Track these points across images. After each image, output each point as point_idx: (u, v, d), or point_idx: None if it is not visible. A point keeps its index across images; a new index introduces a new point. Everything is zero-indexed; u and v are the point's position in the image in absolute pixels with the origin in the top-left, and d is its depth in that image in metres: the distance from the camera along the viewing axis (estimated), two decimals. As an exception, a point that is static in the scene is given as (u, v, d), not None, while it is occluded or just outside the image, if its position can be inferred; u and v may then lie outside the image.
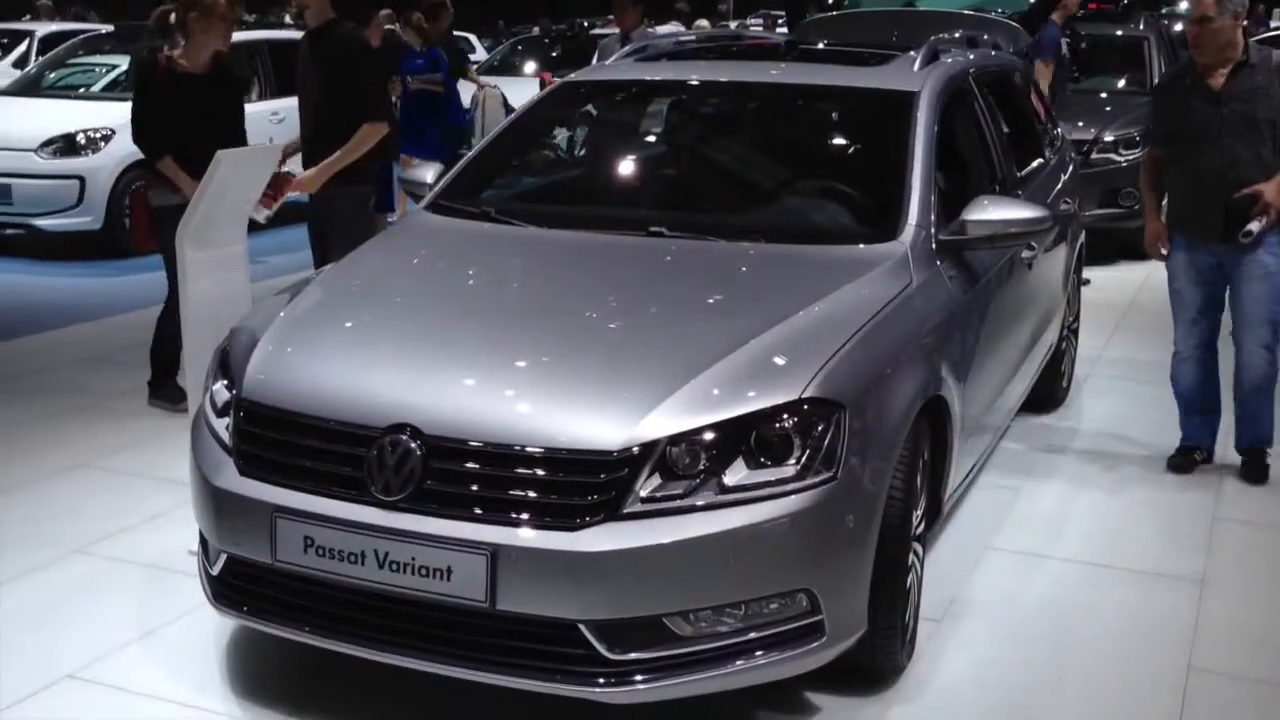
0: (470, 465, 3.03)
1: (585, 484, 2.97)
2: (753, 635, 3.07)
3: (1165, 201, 5.23)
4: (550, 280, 3.87)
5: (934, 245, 4.01)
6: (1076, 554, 4.54)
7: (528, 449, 3.00)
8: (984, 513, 4.84)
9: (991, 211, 4.05)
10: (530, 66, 15.65)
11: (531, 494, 2.98)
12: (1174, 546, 4.60)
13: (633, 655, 2.99)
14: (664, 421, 3.02)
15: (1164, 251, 5.18)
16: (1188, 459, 5.31)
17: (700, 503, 3.00)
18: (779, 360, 3.24)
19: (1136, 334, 7.48)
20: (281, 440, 3.24)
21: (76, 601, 4.00)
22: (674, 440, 3.01)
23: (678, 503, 2.99)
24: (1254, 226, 4.80)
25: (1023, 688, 3.61)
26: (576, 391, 3.13)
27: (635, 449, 2.98)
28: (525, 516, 2.97)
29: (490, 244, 4.18)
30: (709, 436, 3.04)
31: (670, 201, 4.53)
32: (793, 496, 3.04)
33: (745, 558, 3.00)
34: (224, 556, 3.33)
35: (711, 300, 3.64)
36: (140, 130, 5.52)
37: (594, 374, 3.19)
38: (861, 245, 3.94)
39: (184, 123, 5.39)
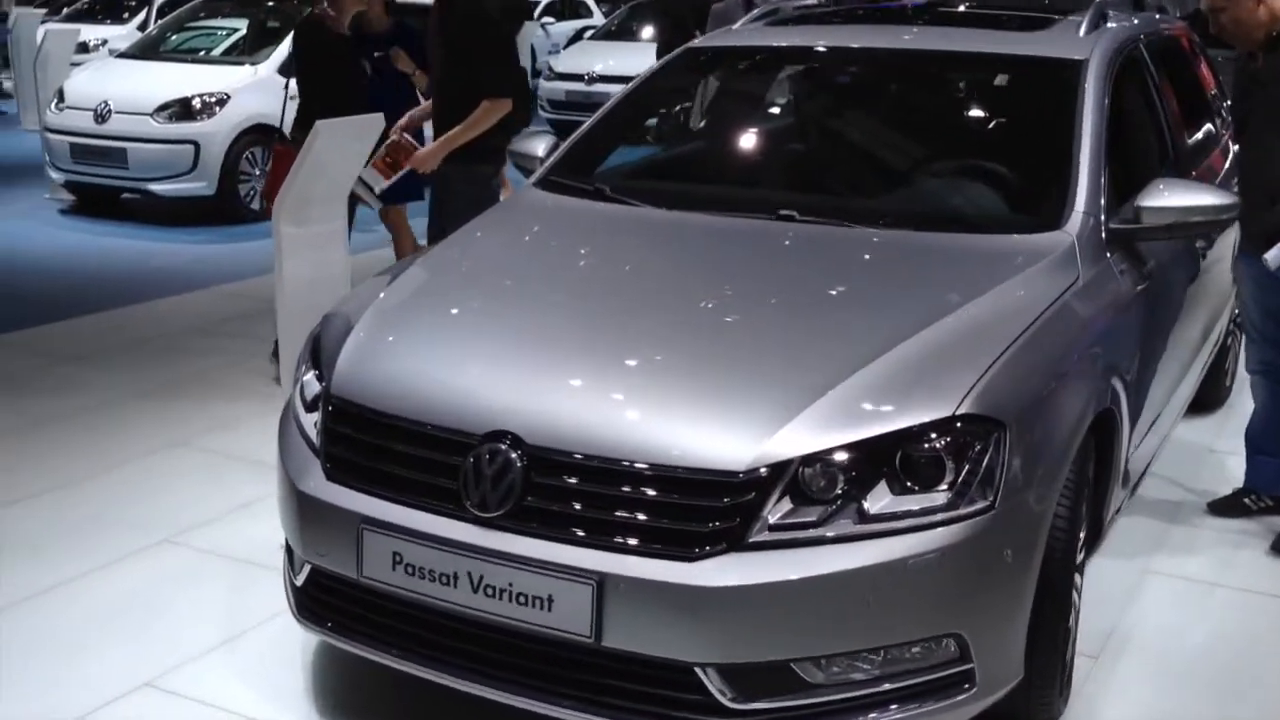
0: (576, 481, 2.69)
1: (706, 508, 2.61)
2: (892, 685, 2.69)
3: None
4: (668, 268, 3.51)
5: (1104, 235, 3.55)
6: (1252, 583, 4.06)
7: (641, 466, 2.65)
8: (1141, 530, 4.37)
9: (1171, 197, 3.57)
10: (648, 31, 15.23)
11: (644, 517, 2.63)
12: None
13: (757, 705, 2.63)
14: (798, 438, 2.65)
15: None
16: (1236, 501, 4.55)
17: (837, 533, 2.61)
18: (929, 370, 2.84)
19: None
20: (372, 443, 2.94)
21: (161, 597, 3.78)
22: (808, 460, 2.64)
23: (810, 532, 2.61)
24: (1274, 253, 3.95)
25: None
26: (697, 400, 2.76)
27: (764, 470, 2.61)
28: (636, 542, 2.62)
29: (603, 226, 3.82)
30: (848, 457, 2.65)
31: (801, 182, 4.10)
32: (944, 528, 2.64)
33: (887, 597, 2.62)
34: (308, 567, 3.05)
35: (849, 297, 3.24)
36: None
37: (717, 379, 2.83)
38: (1021, 235, 3.49)
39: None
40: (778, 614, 2.58)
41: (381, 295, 3.44)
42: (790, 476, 2.63)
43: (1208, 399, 5.39)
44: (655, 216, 3.81)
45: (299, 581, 3.09)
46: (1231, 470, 4.90)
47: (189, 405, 5.41)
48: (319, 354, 3.23)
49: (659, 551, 2.60)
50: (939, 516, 2.65)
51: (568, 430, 2.72)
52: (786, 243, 3.55)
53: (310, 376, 3.22)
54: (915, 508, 2.65)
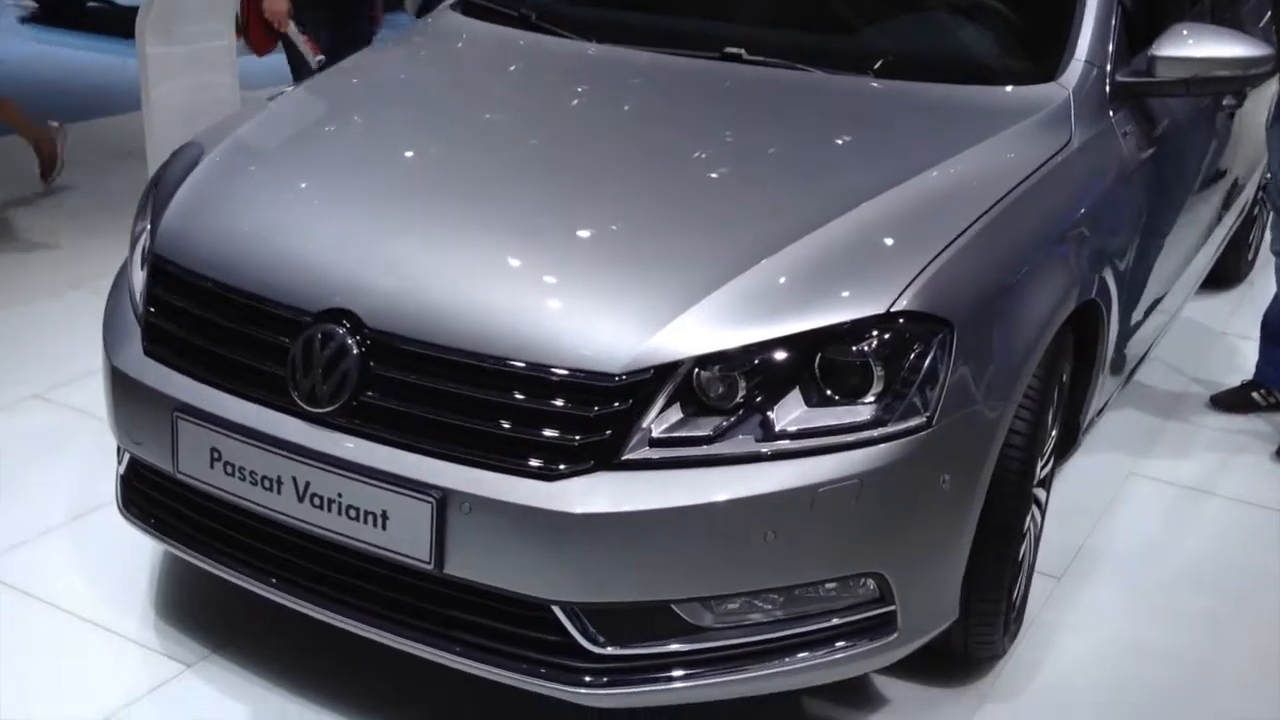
0: (421, 376, 2.20)
1: (572, 417, 2.13)
2: (797, 629, 2.25)
3: None
4: (582, 115, 2.95)
5: (1108, 90, 2.97)
6: (1250, 492, 3.58)
7: (501, 362, 2.15)
8: (1131, 425, 3.88)
9: (1194, 46, 2.96)
10: None
11: (499, 425, 2.15)
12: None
13: (628, 650, 2.19)
14: (694, 333, 2.14)
15: None
16: (1243, 395, 4.08)
17: (735, 451, 2.13)
18: (867, 254, 2.31)
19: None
20: (194, 315, 2.45)
21: (13, 462, 3.36)
22: (705, 361, 2.14)
23: (702, 449, 2.13)
24: None
25: (1163, 689, 2.74)
26: (576, 283, 2.25)
27: (649, 371, 2.12)
28: (487, 455, 2.15)
29: (519, 59, 3.24)
30: (756, 358, 2.16)
31: (752, 14, 3.45)
32: (867, 449, 2.15)
33: (793, 531, 2.15)
34: (128, 455, 2.60)
35: (788, 158, 2.67)
36: None
37: (605, 257, 2.30)
38: (1008, 87, 2.90)
39: None
40: (654, 547, 2.11)
41: (244, 127, 2.91)
42: (681, 380, 2.14)
43: (1225, 275, 4.84)
44: (579, 51, 3.21)
45: (121, 470, 2.65)
46: (1242, 359, 4.38)
47: (97, 240, 4.92)
48: (151, 202, 2.72)
49: (513, 467, 2.13)
50: (862, 435, 2.16)
51: (415, 313, 2.22)
52: (727, 87, 2.98)
53: (142, 227, 2.72)
54: (833, 423, 2.16)
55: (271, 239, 2.43)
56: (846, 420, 2.16)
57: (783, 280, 2.23)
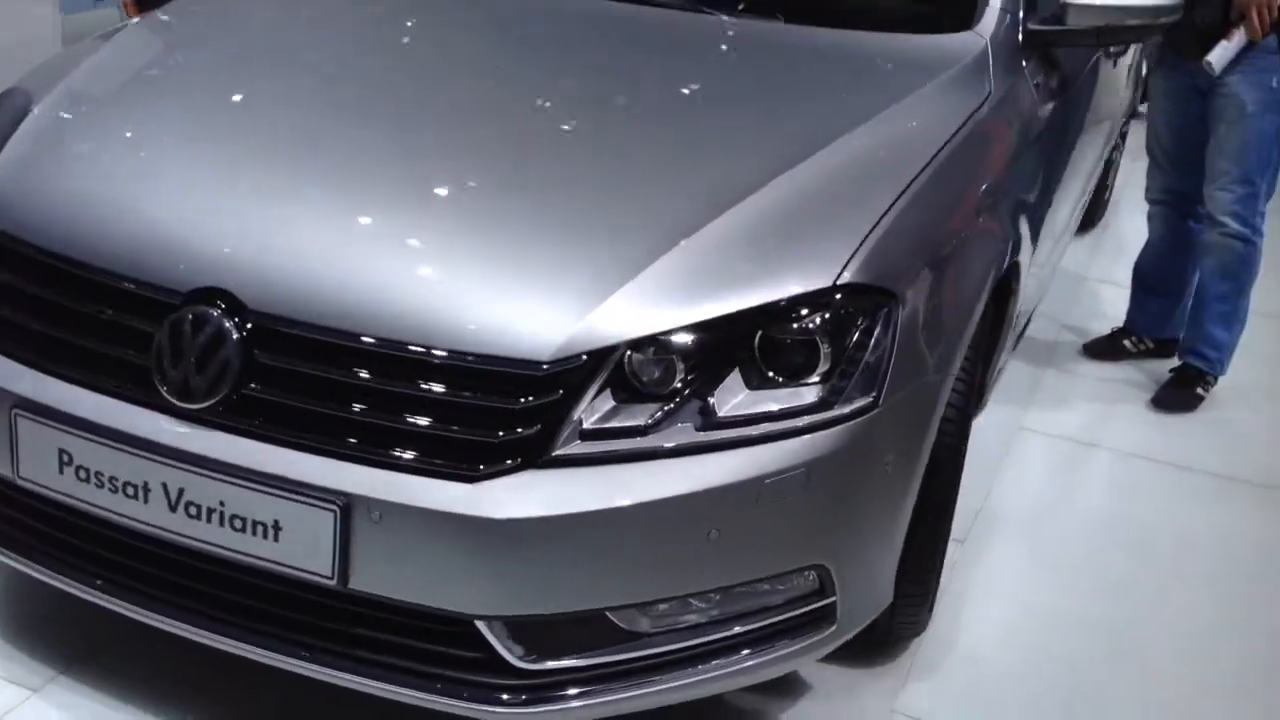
0: (318, 365, 1.92)
1: (496, 410, 1.88)
2: (737, 629, 2.07)
3: None
4: (464, 55, 2.66)
5: (1020, 38, 2.84)
6: (1133, 443, 3.58)
7: (410, 348, 1.89)
8: (1015, 379, 3.84)
9: None
10: None
11: (412, 420, 1.89)
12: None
13: (559, 663, 1.98)
14: (628, 315, 1.91)
15: None
16: (1114, 343, 4.11)
17: (673, 443, 1.93)
18: (804, 223, 2.12)
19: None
20: (34, 295, 2.10)
21: None
22: (639, 344, 1.93)
23: (637, 441, 1.91)
24: (1216, 53, 3.48)
25: (1083, 657, 2.67)
26: (491, 258, 1.98)
27: (581, 358, 1.89)
28: (400, 454, 1.89)
29: None
30: (693, 338, 1.95)
31: None
32: (813, 435, 1.97)
33: (737, 527, 1.96)
34: (-44, 456, 2.24)
35: (699, 114, 2.45)
36: None
37: (519, 229, 2.04)
38: (923, 36, 2.74)
39: None
40: (589, 553, 1.90)
41: (78, 70, 2.53)
42: (614, 366, 1.92)
43: (1086, 219, 4.85)
44: None
45: (-52, 473, 2.29)
46: (1107, 304, 4.41)
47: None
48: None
49: (429, 468, 1.87)
50: (808, 419, 1.97)
51: (306, 292, 1.93)
52: (614, 29, 2.74)
53: None
54: (777, 408, 1.97)
55: (126, 206, 2.09)
56: (792, 404, 1.98)
57: (719, 253, 2.01)
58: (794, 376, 1.99)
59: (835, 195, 2.18)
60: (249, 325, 1.93)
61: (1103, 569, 2.97)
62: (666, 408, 1.93)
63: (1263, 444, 3.67)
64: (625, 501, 1.88)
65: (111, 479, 1.98)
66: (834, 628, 2.14)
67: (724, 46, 2.69)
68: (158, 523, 1.97)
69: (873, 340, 2.03)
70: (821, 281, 2.01)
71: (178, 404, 1.95)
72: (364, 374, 1.90)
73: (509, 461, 1.87)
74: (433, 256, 1.98)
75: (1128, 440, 3.58)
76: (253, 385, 1.93)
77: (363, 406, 1.90)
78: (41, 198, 2.15)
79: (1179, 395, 3.83)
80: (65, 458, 2.00)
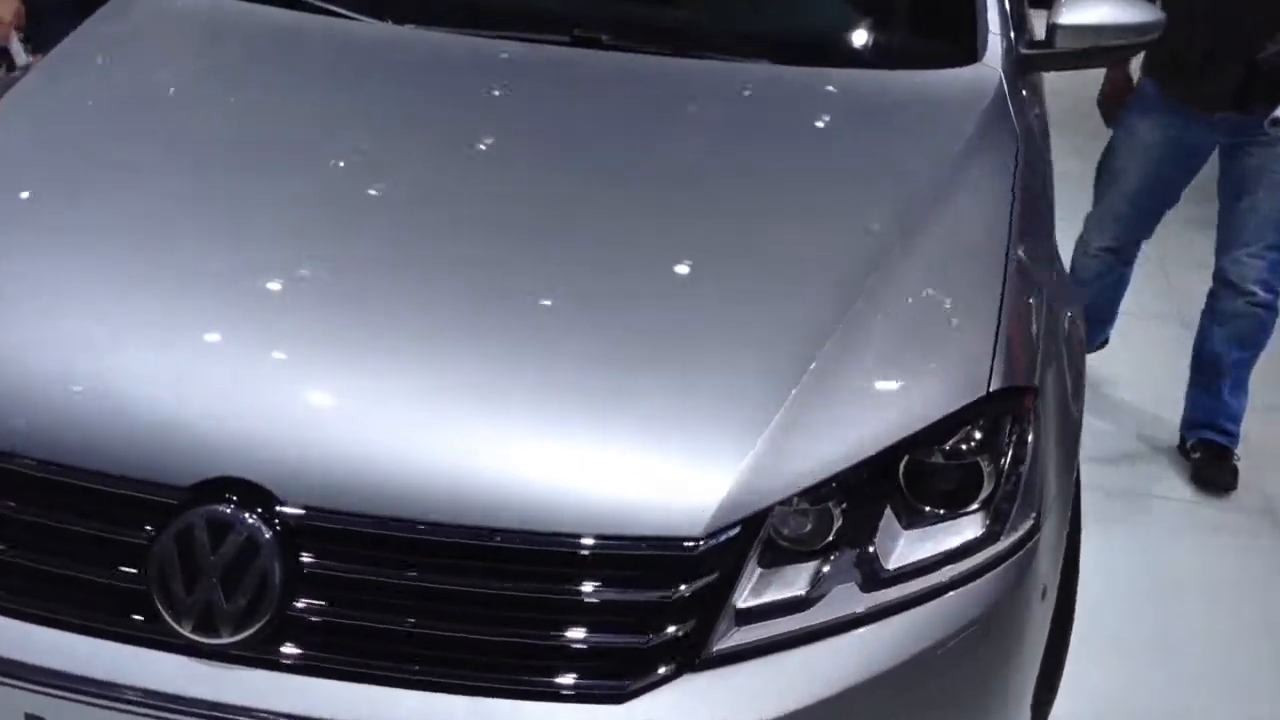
0: (387, 572, 1.46)
1: (642, 606, 1.47)
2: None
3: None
4: (449, 142, 2.11)
5: (1015, 65, 2.58)
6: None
7: (524, 538, 1.45)
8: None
9: (1091, 12, 2.63)
10: None
11: (538, 629, 1.46)
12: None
13: None
14: (777, 466, 1.52)
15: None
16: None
17: (840, 614, 1.55)
18: (925, 322, 1.78)
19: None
20: None
21: None
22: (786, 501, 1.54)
23: (801, 618, 1.53)
24: None
25: None
26: (604, 411, 1.56)
27: (735, 528, 1.50)
28: (521, 677, 1.45)
29: (304, 57, 2.40)
30: (843, 480, 1.58)
31: None
32: (989, 577, 1.64)
33: (920, 705, 1.61)
34: None
35: (749, 202, 2.00)
36: None
37: (623, 372, 1.61)
38: (932, 72, 2.44)
39: None
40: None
41: None
42: (765, 531, 1.54)
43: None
44: (383, 37, 2.43)
45: None
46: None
47: None
48: None
49: (560, 690, 1.45)
50: (980, 559, 1.64)
51: (369, 474, 1.46)
52: (594, 85, 2.31)
53: None
54: (942, 549, 1.63)
55: (84, 377, 1.56)
56: (957, 542, 1.64)
57: (852, 374, 1.65)
58: (951, 506, 1.66)
59: (941, 286, 1.86)
60: (279, 524, 1.46)
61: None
62: (823, 569, 1.56)
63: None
64: (802, 703, 1.50)
65: (109, 750, 1.47)
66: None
67: (730, 96, 2.31)
68: (183, 804, 1.47)
69: (1027, 450, 1.72)
70: (975, 390, 1.68)
71: (198, 639, 1.46)
72: (457, 576, 1.46)
73: (663, 669, 1.47)
74: (535, 418, 1.53)
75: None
76: (297, 604, 1.46)
77: (461, 621, 1.46)
78: None
79: (1220, 472, 3.43)
80: (36, 727, 1.48)
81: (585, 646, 1.45)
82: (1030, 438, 1.72)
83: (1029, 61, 2.62)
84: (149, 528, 1.47)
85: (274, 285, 1.70)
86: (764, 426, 1.54)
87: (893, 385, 1.66)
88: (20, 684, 1.47)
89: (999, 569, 1.65)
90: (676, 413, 1.55)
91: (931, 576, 1.60)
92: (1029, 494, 1.71)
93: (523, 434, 1.51)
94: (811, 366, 1.62)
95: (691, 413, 1.55)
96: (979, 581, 1.63)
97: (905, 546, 1.61)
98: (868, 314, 1.73)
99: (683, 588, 1.46)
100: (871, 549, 1.59)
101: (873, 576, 1.58)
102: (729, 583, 1.49)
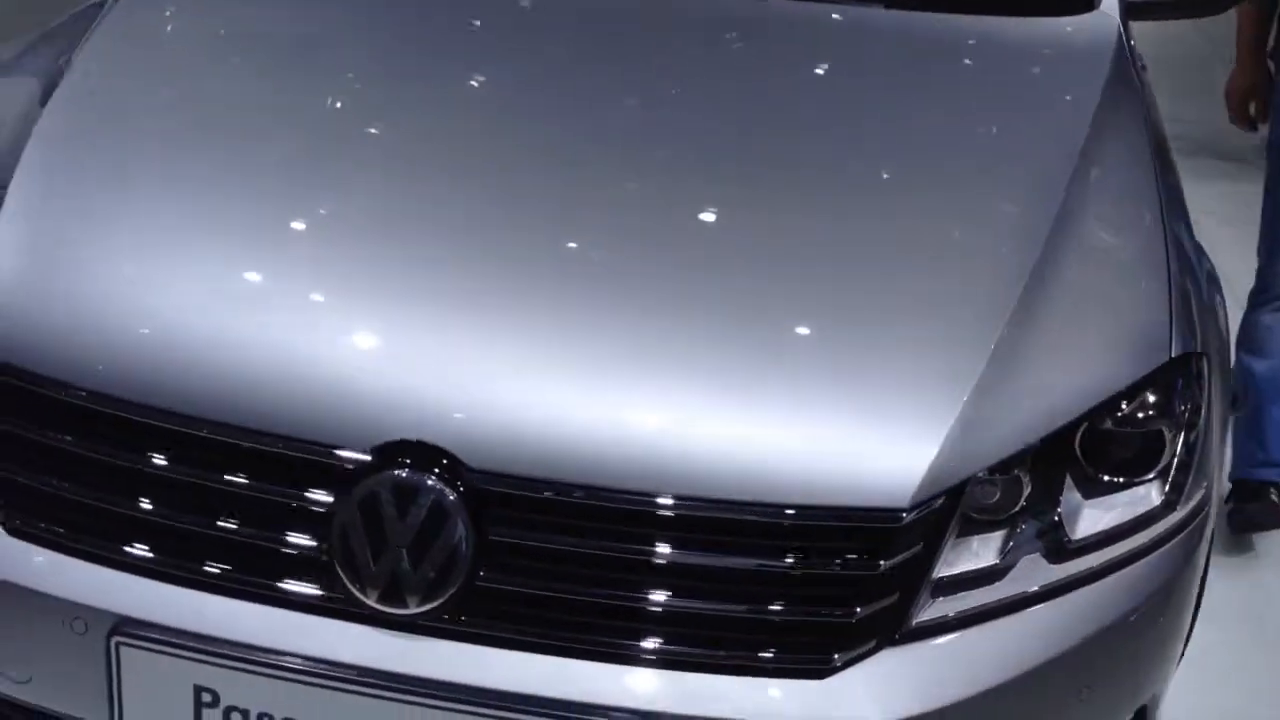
0: (580, 541, 1.40)
1: (848, 579, 1.41)
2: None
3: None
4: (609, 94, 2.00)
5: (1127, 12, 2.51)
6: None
7: (730, 507, 1.39)
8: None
9: None
10: None
11: (739, 604, 1.40)
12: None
13: None
14: (980, 434, 1.46)
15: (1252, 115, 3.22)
16: (1264, 502, 2.97)
17: (1031, 585, 1.50)
18: (1103, 284, 1.72)
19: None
20: (131, 472, 1.45)
21: None
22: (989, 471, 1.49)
23: (994, 590, 1.48)
24: None
25: None
26: (804, 374, 1.49)
27: (940, 498, 1.45)
28: (714, 653, 1.40)
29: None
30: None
31: None
32: (1169, 547, 1.60)
33: (1108, 677, 1.58)
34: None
35: (903, 159, 1.91)
36: None
37: (819, 334, 1.55)
38: (1052, 20, 2.34)
39: None
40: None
41: (50, 121, 1.82)
42: (964, 502, 1.48)
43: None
44: None
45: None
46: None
47: None
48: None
49: (761, 666, 1.40)
50: (1160, 529, 1.60)
51: (561, 440, 1.39)
52: (745, 39, 2.20)
53: None
54: (1126, 519, 1.58)
55: (265, 331, 1.48)
56: (1139, 511, 1.59)
57: (1041, 339, 1.59)
58: (1129, 474, 1.61)
59: (1108, 251, 1.80)
60: (465, 490, 1.39)
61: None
62: (1010, 541, 1.52)
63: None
64: (1000, 677, 1.46)
65: (291, 727, 1.40)
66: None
67: (849, 48, 2.23)
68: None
69: (1200, 417, 1.67)
70: (1158, 356, 1.64)
71: (382, 609, 1.39)
72: (656, 549, 1.39)
73: (865, 643, 1.42)
74: (736, 385, 1.46)
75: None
76: (483, 573, 1.40)
77: (658, 593, 1.40)
78: (101, 336, 1.49)
79: (1267, 510, 2.97)
80: (208, 698, 1.41)
81: (789, 620, 1.40)
82: (1203, 406, 1.68)
83: (1137, 10, 2.55)
84: (328, 493, 1.40)
85: (457, 248, 1.61)
86: (962, 396, 1.48)
87: (1080, 352, 1.61)
88: (189, 655, 1.40)
89: (1178, 539, 1.61)
90: (877, 383, 1.49)
91: (1115, 547, 1.56)
92: (1203, 462, 1.67)
93: (725, 402, 1.44)
94: (1000, 334, 1.56)
95: (891, 383, 1.49)
96: (1160, 552, 1.59)
97: (1088, 517, 1.56)
98: (1044, 281, 1.66)
99: (889, 559, 1.41)
100: (1056, 518, 1.54)
101: (1058, 547, 1.53)
102: (930, 554, 1.44)
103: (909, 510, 1.40)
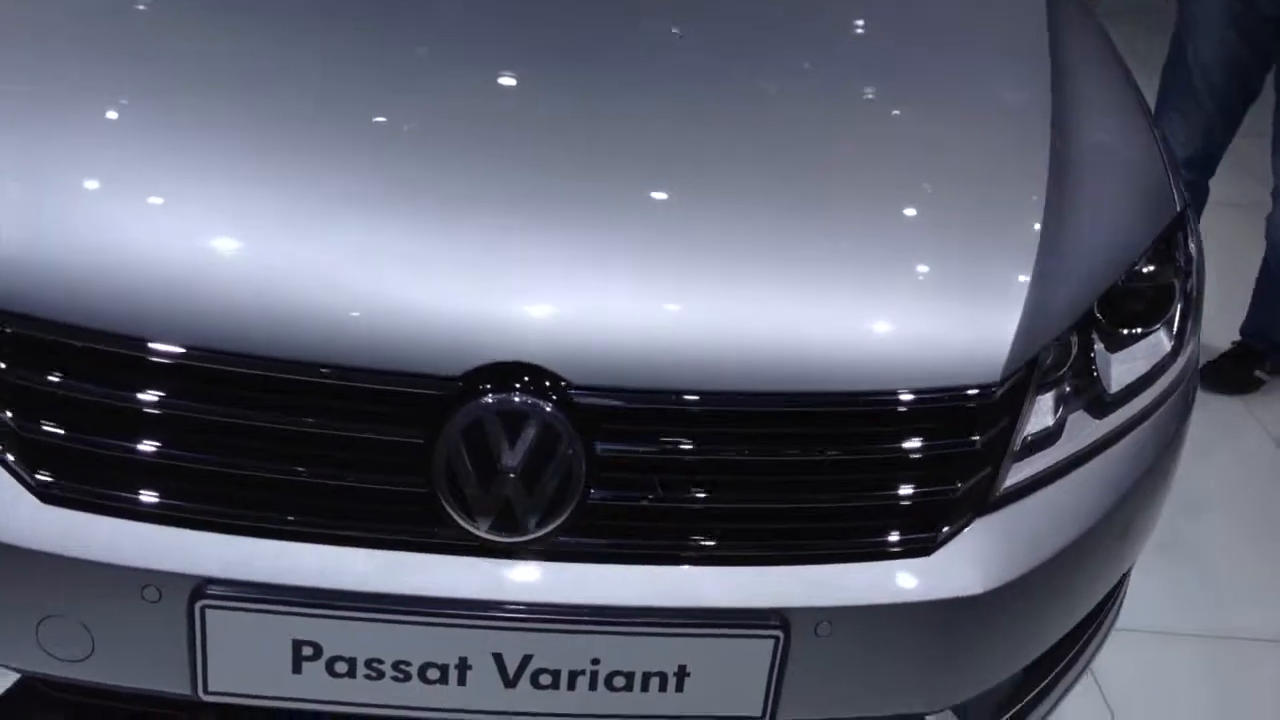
0: (688, 449, 1.36)
1: (949, 457, 1.42)
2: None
3: None
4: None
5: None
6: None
7: (832, 399, 1.37)
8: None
9: None
10: None
11: (850, 493, 1.40)
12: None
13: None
14: (1049, 304, 1.49)
15: None
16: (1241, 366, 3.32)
17: (1086, 443, 1.56)
18: (1104, 148, 1.77)
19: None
20: (208, 421, 1.32)
21: None
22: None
23: (1057, 451, 1.53)
24: None
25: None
26: (881, 259, 1.46)
27: (1022, 369, 1.47)
28: (838, 541, 1.40)
29: None
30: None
31: None
32: (1180, 393, 1.70)
33: (1144, 524, 1.68)
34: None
35: (882, 55, 1.88)
36: None
37: (884, 220, 1.52)
38: None
39: None
40: (1043, 601, 1.52)
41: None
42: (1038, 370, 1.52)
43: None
44: None
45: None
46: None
47: None
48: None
49: (875, 549, 1.41)
50: (1172, 377, 1.69)
51: (653, 347, 1.34)
52: None
53: None
54: (1147, 368, 1.66)
55: (319, 259, 1.33)
56: (1154, 360, 1.68)
57: (1077, 211, 1.61)
58: (1144, 325, 1.69)
59: (1106, 115, 1.85)
60: (570, 407, 1.32)
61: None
62: (1061, 402, 1.57)
63: None
64: (1075, 532, 1.52)
65: (400, 664, 1.33)
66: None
67: None
68: (484, 706, 1.36)
69: (1195, 261, 1.77)
70: (1169, 209, 1.72)
71: (494, 538, 1.32)
72: (765, 447, 1.37)
73: (962, 516, 1.45)
74: (829, 275, 1.43)
75: None
76: (594, 491, 1.35)
77: (770, 491, 1.38)
78: (153, 281, 1.31)
79: (1234, 375, 3.27)
80: (308, 651, 1.32)
81: (899, 504, 1.41)
82: (1192, 248, 1.77)
83: None
84: (421, 425, 1.31)
85: (528, 155, 1.49)
86: (1030, 264, 1.50)
87: (1109, 211, 1.66)
88: (285, 609, 1.30)
89: (1183, 387, 1.71)
90: (951, 263, 1.49)
91: (1142, 397, 1.64)
92: (1198, 309, 1.77)
93: (823, 296, 1.41)
94: (1044, 199, 1.59)
95: (963, 262, 1.49)
96: (1174, 397, 1.69)
97: (1117, 370, 1.63)
98: (1065, 146, 1.69)
99: (984, 434, 1.43)
100: (1095, 374, 1.60)
101: (1099, 403, 1.60)
102: (1012, 424, 1.48)
103: (1001, 384, 1.43)
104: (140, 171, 1.40)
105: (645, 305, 1.36)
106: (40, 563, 1.31)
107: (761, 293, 1.39)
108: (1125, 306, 1.65)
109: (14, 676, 1.40)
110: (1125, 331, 1.65)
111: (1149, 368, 1.65)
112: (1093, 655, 1.81)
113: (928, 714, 1.51)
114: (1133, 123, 1.86)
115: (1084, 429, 1.57)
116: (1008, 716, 1.64)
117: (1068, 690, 1.76)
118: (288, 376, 1.30)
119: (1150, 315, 1.68)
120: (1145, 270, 1.67)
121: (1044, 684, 1.68)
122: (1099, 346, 1.62)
